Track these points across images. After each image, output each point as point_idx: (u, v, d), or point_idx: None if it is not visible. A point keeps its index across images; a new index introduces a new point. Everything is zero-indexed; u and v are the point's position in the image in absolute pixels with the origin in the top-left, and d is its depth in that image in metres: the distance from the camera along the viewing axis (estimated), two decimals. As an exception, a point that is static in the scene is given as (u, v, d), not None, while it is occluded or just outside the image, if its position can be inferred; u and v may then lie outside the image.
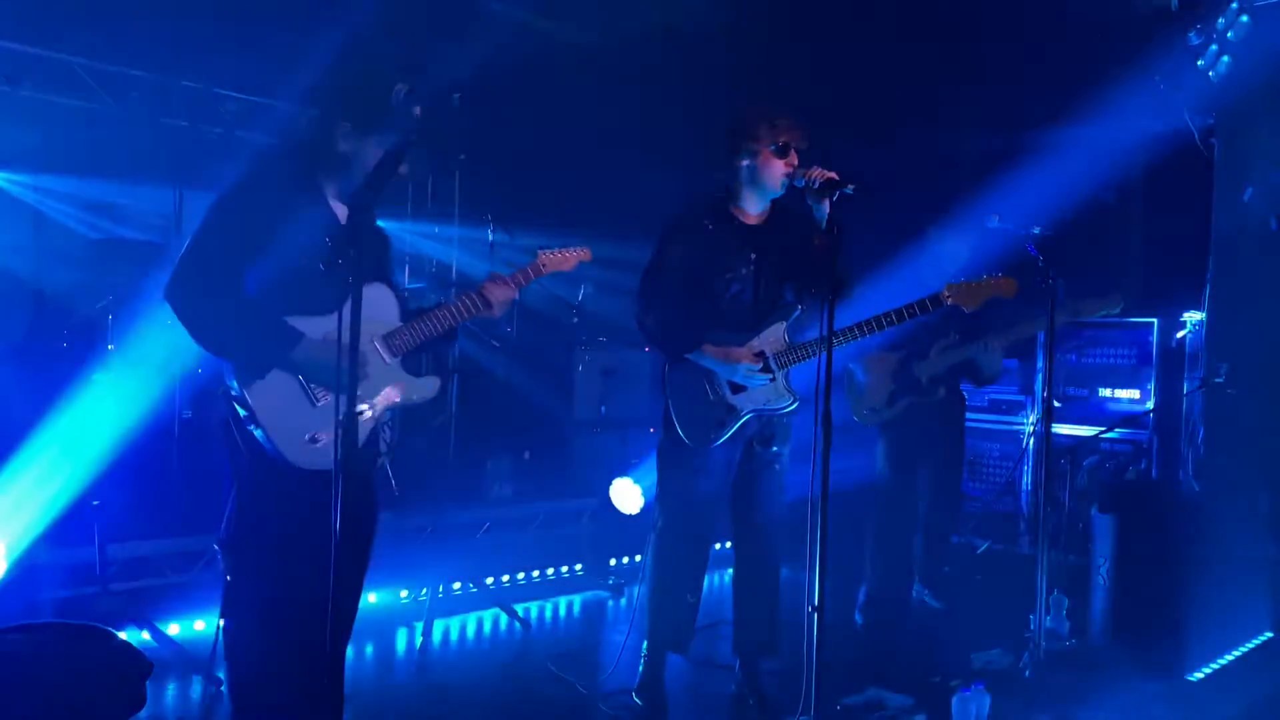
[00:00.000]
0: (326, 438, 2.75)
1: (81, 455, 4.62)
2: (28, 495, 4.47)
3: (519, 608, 5.10)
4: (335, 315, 2.74)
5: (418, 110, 2.60)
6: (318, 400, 2.80)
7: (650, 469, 6.02)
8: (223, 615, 2.95)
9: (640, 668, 3.85)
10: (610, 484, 6.34)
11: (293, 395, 2.79)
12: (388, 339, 2.94)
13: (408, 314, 3.05)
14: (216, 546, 2.92)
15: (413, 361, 3.08)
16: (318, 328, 2.78)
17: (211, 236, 2.78)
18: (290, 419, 2.77)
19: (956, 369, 5.01)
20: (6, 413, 4.69)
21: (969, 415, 5.48)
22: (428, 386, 3.04)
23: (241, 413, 2.76)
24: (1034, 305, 4.30)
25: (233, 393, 2.79)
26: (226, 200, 2.82)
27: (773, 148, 3.61)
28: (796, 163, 3.59)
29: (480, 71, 5.10)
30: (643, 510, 6.22)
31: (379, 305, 2.91)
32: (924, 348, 4.96)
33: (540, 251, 3.35)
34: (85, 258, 5.37)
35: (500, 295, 3.10)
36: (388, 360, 2.94)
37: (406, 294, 3.29)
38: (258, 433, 2.75)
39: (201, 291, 2.75)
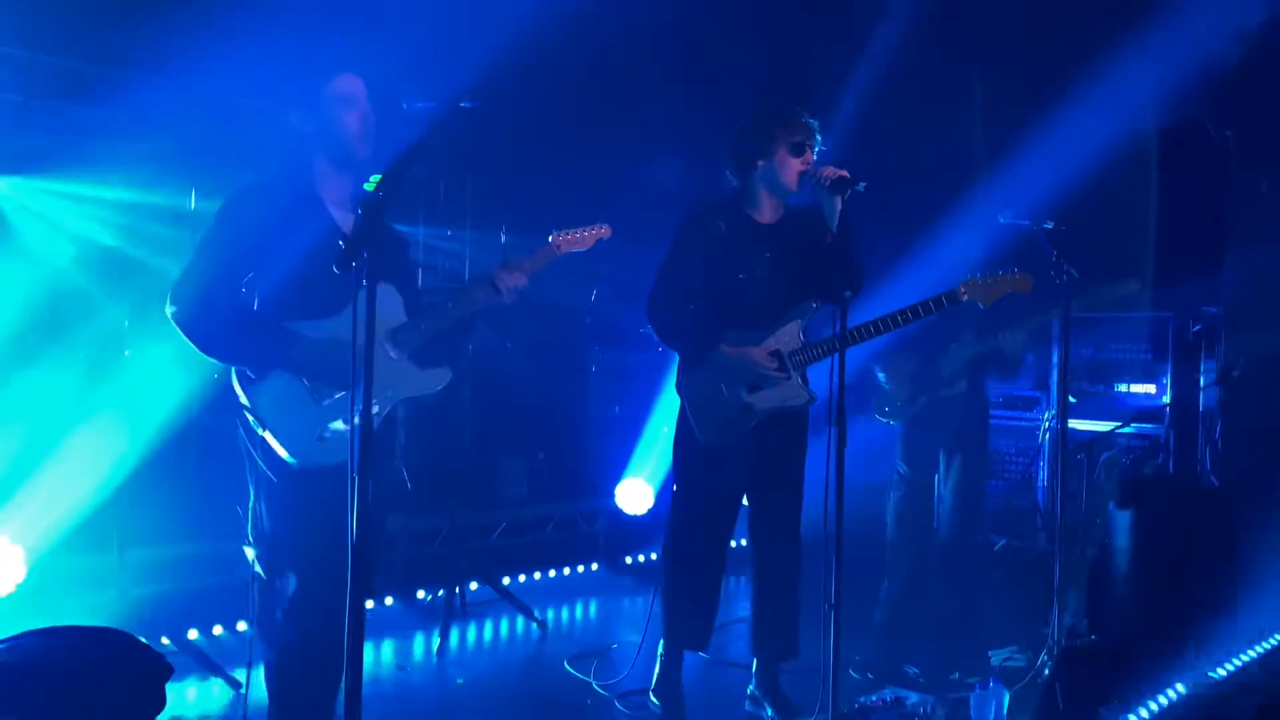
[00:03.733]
0: (333, 435, 2.78)
1: (103, 462, 4.65)
2: (48, 502, 4.50)
3: (535, 608, 5.10)
4: (337, 319, 2.79)
5: (426, 111, 2.61)
6: (323, 400, 2.82)
7: (662, 468, 6.04)
8: (255, 615, 2.98)
9: (657, 667, 3.85)
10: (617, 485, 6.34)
11: (297, 396, 2.82)
12: (394, 334, 2.95)
13: (416, 310, 3.06)
14: (248, 549, 2.95)
15: (425, 355, 3.09)
16: (321, 331, 2.83)
17: (209, 252, 2.87)
18: (296, 420, 2.81)
19: (977, 361, 5.00)
20: (25, 419, 4.72)
21: (984, 411, 5.45)
22: (438, 379, 3.05)
23: (250, 418, 2.80)
24: (1049, 296, 4.28)
25: (239, 399, 2.84)
26: (222, 216, 2.90)
27: (788, 147, 3.60)
28: (812, 160, 3.59)
29: (490, 74, 5.10)
30: (651, 510, 6.22)
31: (384, 303, 2.90)
32: (942, 343, 4.96)
33: (553, 234, 3.22)
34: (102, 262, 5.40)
35: (509, 282, 3.05)
36: (394, 355, 2.95)
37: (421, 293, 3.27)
38: (266, 435, 2.79)
39: (199, 305, 2.82)
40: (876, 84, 6.20)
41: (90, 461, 4.64)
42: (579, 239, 3.23)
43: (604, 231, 3.29)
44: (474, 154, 6.45)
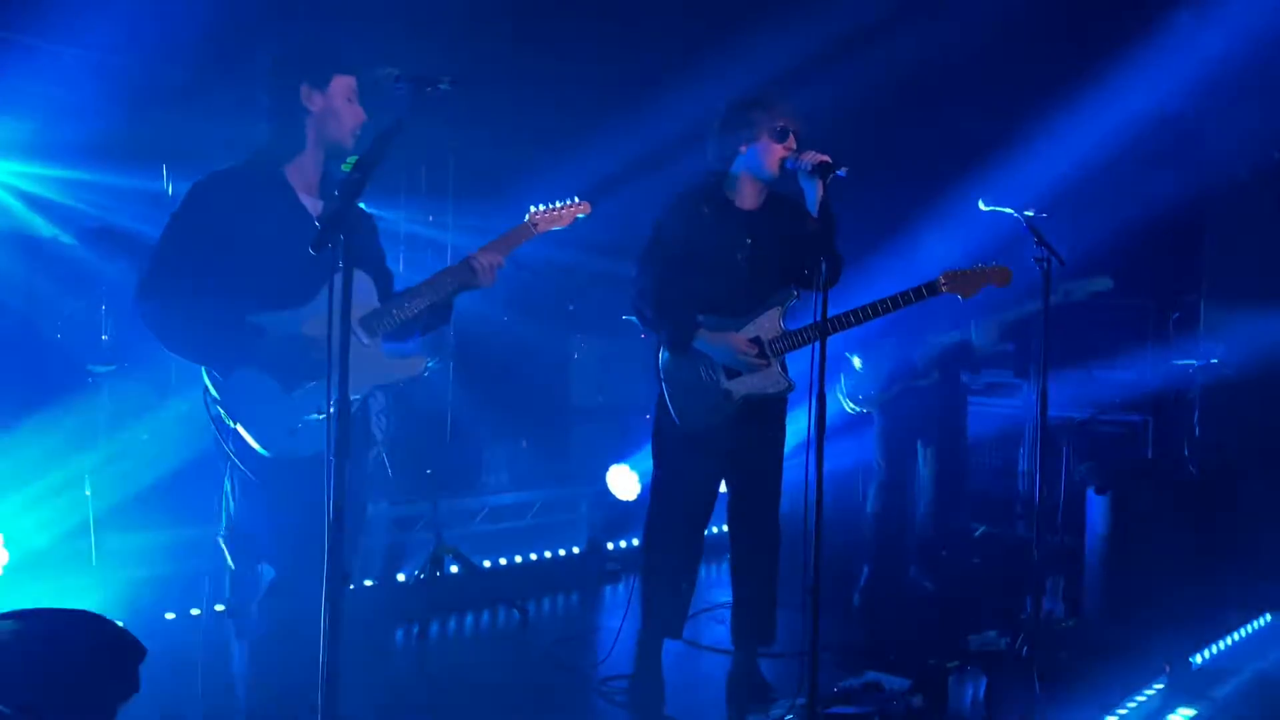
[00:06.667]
0: (305, 426, 2.74)
1: (83, 448, 4.63)
2: (28, 486, 4.48)
3: (516, 595, 5.10)
4: (309, 307, 2.75)
5: (404, 91, 2.55)
6: (294, 390, 2.77)
7: (647, 456, 6.05)
8: (225, 604, 2.95)
9: (637, 653, 3.85)
10: (607, 470, 6.35)
11: (265, 389, 2.76)
12: (365, 321, 2.88)
13: (390, 296, 3.00)
14: (220, 539, 2.90)
15: (400, 341, 3.04)
16: (290, 320, 2.77)
17: (172, 243, 2.79)
18: (265, 412, 2.75)
19: (951, 352, 5.01)
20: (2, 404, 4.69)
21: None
22: (411, 367, 2.98)
23: (220, 410, 2.77)
24: (1022, 290, 4.30)
25: (209, 391, 2.80)
26: (188, 204, 2.82)
27: (771, 132, 3.59)
28: (795, 146, 3.58)
29: (475, 56, 5.06)
30: (639, 496, 6.24)
31: (356, 288, 2.78)
32: (917, 333, 4.97)
33: (531, 210, 3.15)
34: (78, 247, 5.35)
35: (485, 261, 2.98)
36: (366, 342, 2.87)
37: (394, 276, 3.20)
38: (236, 427, 2.75)
39: (164, 299, 2.75)
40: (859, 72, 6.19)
41: (68, 447, 4.62)
42: (557, 216, 3.16)
43: (583, 208, 3.20)
44: (456, 136, 6.41)
